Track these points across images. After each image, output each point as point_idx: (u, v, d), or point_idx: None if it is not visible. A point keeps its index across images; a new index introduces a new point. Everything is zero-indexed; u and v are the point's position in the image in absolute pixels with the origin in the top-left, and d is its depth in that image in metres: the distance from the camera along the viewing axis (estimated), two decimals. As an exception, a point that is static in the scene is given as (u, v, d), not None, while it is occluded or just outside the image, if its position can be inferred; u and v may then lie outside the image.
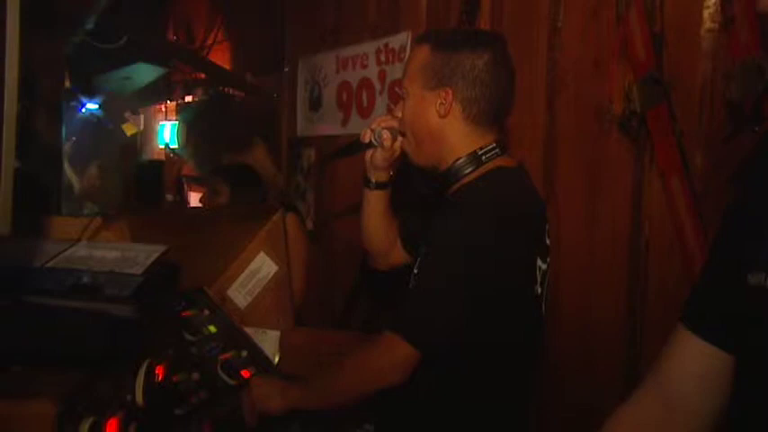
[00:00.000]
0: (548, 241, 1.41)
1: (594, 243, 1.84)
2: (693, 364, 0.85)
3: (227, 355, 1.54)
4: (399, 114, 1.42)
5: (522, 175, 1.41)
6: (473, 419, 1.29)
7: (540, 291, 1.37)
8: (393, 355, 1.23)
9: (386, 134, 1.43)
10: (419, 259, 1.32)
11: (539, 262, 1.35)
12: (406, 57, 2.52)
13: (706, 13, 1.57)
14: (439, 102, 1.32)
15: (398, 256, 1.61)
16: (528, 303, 1.35)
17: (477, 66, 1.31)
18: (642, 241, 1.75)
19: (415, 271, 1.32)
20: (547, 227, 1.42)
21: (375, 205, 1.56)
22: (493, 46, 1.34)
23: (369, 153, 1.49)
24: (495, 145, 1.36)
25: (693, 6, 1.59)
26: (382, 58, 2.67)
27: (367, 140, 1.47)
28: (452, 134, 1.34)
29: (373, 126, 1.46)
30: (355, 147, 1.54)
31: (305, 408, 1.35)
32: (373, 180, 1.53)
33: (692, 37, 1.60)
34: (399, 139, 1.43)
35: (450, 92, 1.31)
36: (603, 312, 1.84)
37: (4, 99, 0.61)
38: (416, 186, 1.59)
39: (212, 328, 1.59)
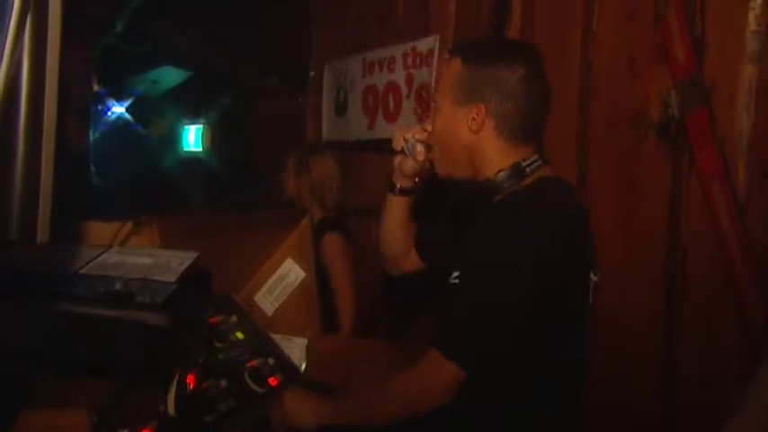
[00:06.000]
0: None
1: (631, 251, 1.79)
2: None
3: (255, 363, 1.52)
4: (429, 128, 1.38)
5: (569, 187, 1.36)
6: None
7: (590, 302, 1.32)
8: (441, 376, 1.17)
9: (419, 147, 1.40)
10: (461, 270, 1.25)
11: (591, 274, 1.31)
12: (434, 62, 2.53)
13: (751, 15, 1.52)
14: (470, 117, 1.27)
15: (411, 263, 1.59)
16: (581, 316, 1.30)
17: (510, 81, 1.25)
18: (680, 249, 1.70)
19: (456, 281, 1.27)
20: (593, 239, 1.36)
21: (397, 210, 1.54)
22: (528, 60, 1.28)
23: (398, 159, 1.47)
24: (537, 157, 1.30)
25: (738, 8, 1.55)
26: (409, 61, 2.64)
27: (398, 149, 1.44)
28: (487, 149, 1.29)
29: (407, 136, 1.42)
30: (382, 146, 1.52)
31: (338, 426, 1.29)
32: (398, 185, 1.51)
33: (735, 39, 1.56)
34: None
35: (482, 108, 1.26)
36: (639, 322, 1.79)
37: (44, 115, 0.59)
38: (441, 197, 1.55)
39: (239, 335, 1.58)
